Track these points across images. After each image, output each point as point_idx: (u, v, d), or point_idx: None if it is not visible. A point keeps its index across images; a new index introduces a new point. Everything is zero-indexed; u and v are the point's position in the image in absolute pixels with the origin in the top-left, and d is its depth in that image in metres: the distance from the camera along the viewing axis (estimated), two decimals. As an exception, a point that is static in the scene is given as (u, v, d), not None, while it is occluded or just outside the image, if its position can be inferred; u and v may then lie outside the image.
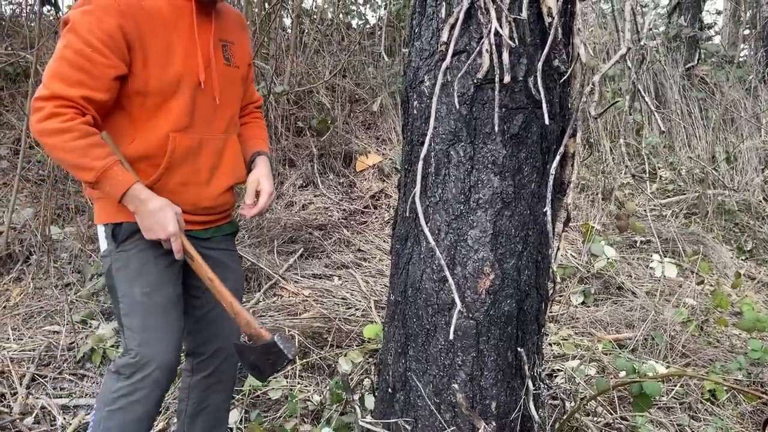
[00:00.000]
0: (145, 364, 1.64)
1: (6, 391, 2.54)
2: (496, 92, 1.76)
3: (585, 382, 2.51)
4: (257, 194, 1.85)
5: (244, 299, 3.42)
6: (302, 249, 4.12)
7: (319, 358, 2.92)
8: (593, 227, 4.04)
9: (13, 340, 2.87)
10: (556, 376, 2.74)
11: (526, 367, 1.90)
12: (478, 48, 1.78)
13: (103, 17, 1.50)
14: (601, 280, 3.78)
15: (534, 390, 1.96)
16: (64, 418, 2.45)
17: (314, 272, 3.84)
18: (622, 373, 2.61)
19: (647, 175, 5.36)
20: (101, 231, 1.74)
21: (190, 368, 1.96)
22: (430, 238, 1.72)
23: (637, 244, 4.45)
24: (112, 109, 1.64)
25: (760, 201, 5.41)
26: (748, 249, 4.80)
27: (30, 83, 3.69)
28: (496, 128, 1.80)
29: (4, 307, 3.16)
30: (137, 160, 1.66)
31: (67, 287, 3.40)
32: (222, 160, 1.79)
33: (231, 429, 2.36)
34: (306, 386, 2.73)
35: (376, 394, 2.26)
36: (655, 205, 5.13)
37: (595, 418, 2.32)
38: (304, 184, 5.07)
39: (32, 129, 1.54)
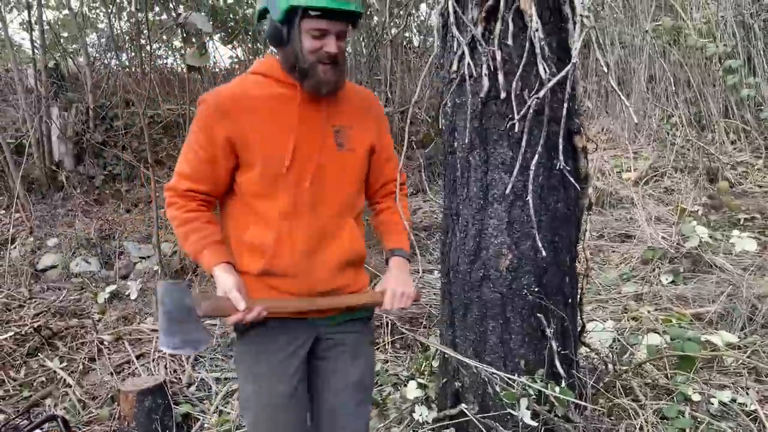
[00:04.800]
0: None
1: (177, 367, 3.41)
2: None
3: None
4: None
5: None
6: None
7: (413, 338, 3.44)
8: (685, 209, 4.09)
9: (181, 331, 3.78)
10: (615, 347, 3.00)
11: (549, 331, 2.27)
12: (481, 72, 2.22)
13: (210, 123, 1.62)
14: (691, 260, 3.86)
15: (561, 351, 2.32)
16: (217, 387, 3.23)
17: (416, 268, 4.38)
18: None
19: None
20: None
21: None
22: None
23: (741, 222, 4.38)
24: (232, 197, 1.72)
25: None
26: None
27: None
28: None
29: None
30: (252, 249, 1.67)
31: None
32: (335, 242, 1.72)
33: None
34: (401, 362, 3.28)
35: (439, 360, 2.73)
36: (772, 181, 4.92)
37: (641, 379, 2.58)
38: (414, 191, 5.63)
39: None
